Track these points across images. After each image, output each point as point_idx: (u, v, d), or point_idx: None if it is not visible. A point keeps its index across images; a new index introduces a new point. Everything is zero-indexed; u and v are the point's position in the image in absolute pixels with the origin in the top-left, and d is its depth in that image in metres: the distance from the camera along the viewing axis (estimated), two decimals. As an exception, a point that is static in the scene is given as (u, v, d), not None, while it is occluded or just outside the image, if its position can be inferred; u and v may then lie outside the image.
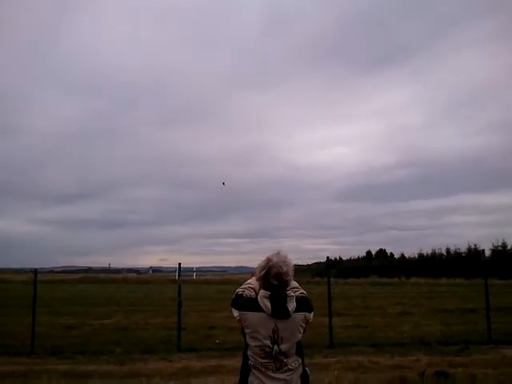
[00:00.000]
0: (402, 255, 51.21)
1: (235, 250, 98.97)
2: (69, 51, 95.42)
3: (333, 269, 49.39)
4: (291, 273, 2.55)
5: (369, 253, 60.61)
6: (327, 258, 11.75)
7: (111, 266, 68.26)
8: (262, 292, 2.51)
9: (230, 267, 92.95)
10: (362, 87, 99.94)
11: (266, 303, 2.48)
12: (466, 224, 71.50)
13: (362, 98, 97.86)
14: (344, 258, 63.42)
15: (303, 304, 2.55)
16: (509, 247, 40.04)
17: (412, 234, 78.50)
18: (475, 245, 41.82)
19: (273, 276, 2.45)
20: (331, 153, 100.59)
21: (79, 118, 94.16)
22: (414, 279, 34.44)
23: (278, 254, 2.60)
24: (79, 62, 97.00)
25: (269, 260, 2.54)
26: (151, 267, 69.17)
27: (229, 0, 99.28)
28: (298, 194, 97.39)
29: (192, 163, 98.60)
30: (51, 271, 59.42)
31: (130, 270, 68.60)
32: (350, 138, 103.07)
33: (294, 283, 2.78)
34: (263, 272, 2.51)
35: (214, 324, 11.44)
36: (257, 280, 2.64)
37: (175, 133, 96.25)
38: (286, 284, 2.50)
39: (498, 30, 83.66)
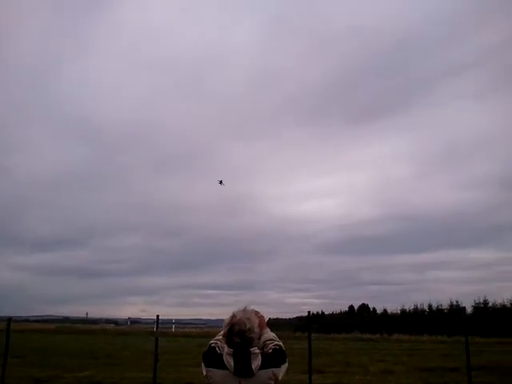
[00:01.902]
0: (385, 311, 50.83)
1: (216, 301, 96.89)
2: (58, 96, 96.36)
3: (314, 324, 48.73)
4: (256, 329, 2.52)
5: (351, 307, 60.03)
6: (308, 313, 11.65)
7: (89, 316, 66.46)
8: (226, 349, 2.48)
9: (209, 320, 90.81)
10: (348, 140, 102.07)
11: (229, 361, 2.43)
12: (449, 280, 71.45)
13: (347, 150, 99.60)
14: (326, 313, 62.58)
15: (272, 359, 2.50)
16: (490, 305, 40.07)
17: (395, 289, 78.04)
18: (457, 301, 41.83)
19: (236, 333, 2.42)
20: (316, 205, 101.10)
21: (64, 163, 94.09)
22: (396, 336, 34.09)
23: (243, 310, 2.58)
24: (68, 107, 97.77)
25: (233, 317, 2.52)
26: (130, 318, 67.28)
27: (218, 54, 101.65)
28: (282, 245, 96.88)
29: (176, 212, 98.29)
30: (26, 320, 57.52)
31: (108, 321, 66.70)
32: (335, 190, 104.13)
33: (270, 335, 2.74)
34: (226, 329, 2.48)
35: (191, 379, 11.09)
36: (223, 336, 2.62)
37: (160, 181, 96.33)
38: (249, 341, 2.44)
39: (481, 86, 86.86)
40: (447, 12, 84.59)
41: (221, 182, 47.65)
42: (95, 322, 65.58)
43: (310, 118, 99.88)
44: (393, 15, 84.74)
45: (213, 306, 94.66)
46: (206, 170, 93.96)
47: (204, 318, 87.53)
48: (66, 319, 68.94)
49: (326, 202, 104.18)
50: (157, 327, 10.70)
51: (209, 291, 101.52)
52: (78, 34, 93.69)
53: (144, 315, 71.85)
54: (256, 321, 2.60)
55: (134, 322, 68.73)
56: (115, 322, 68.36)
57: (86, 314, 66.63)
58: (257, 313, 2.76)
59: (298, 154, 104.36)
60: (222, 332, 2.74)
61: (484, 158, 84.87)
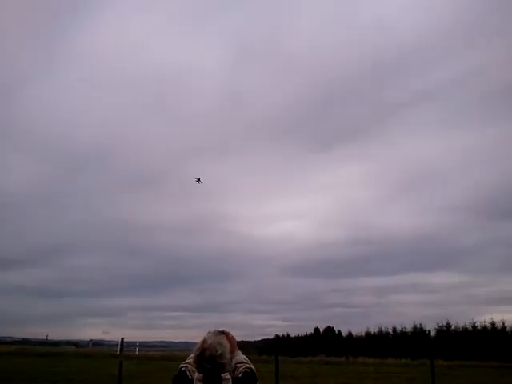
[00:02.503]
0: (350, 333, 51.10)
1: (180, 323, 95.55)
2: (19, 114, 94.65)
3: (281, 346, 48.57)
4: (228, 355, 2.47)
5: (317, 330, 60.03)
6: (277, 336, 11.60)
7: (49, 337, 64.44)
8: (197, 375, 2.42)
9: (173, 342, 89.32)
10: (315, 164, 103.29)
11: None
12: (412, 303, 72.40)
13: (314, 174, 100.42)
14: (292, 335, 62.53)
15: (243, 383, 2.48)
16: (453, 328, 40.78)
17: (359, 312, 78.55)
18: (420, 324, 42.44)
19: (206, 359, 2.37)
20: (283, 227, 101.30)
21: (24, 182, 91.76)
22: (361, 359, 34.22)
23: (214, 334, 2.52)
24: (30, 125, 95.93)
25: (204, 341, 2.45)
26: (91, 340, 65.73)
27: (186, 74, 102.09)
28: (248, 266, 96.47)
29: (141, 231, 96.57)
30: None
31: (69, 343, 64.94)
32: (301, 213, 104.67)
33: (240, 358, 2.70)
34: (197, 353, 2.43)
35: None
36: (193, 362, 2.54)
37: (125, 200, 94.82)
38: (221, 367, 2.40)
39: (446, 116, 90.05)
40: (414, 42, 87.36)
41: (198, 180, 47.32)
42: (55, 344, 63.71)
43: (278, 141, 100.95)
44: (359, 43, 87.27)
45: (177, 328, 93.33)
46: (172, 189, 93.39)
47: (168, 340, 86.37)
48: (26, 341, 66.75)
49: (293, 224, 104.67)
50: (121, 350, 10.45)
51: (173, 313, 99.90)
52: (42, 53, 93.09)
53: (106, 337, 70.06)
54: (228, 345, 2.57)
55: (96, 344, 67.13)
56: (76, 344, 66.62)
57: (46, 335, 64.61)
58: (227, 334, 2.71)
59: (265, 176, 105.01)
60: (192, 355, 2.68)
61: (447, 184, 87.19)
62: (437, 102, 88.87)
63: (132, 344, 45.67)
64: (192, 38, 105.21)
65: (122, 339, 44.61)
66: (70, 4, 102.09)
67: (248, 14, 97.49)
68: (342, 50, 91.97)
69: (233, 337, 2.70)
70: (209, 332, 2.56)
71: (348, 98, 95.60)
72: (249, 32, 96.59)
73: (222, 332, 2.61)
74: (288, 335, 61.98)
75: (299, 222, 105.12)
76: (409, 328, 43.85)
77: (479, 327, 39.52)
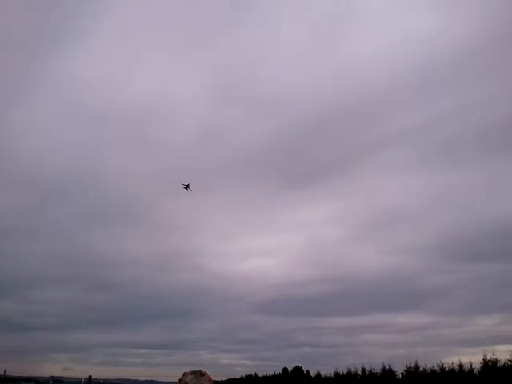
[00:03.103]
0: (318, 373, 50.62)
1: (146, 361, 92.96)
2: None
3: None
4: None
5: (285, 369, 59.32)
6: (242, 376, 11.54)
7: (7, 373, 61.68)
8: None
9: (138, 380, 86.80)
10: (286, 202, 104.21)
11: None
12: (381, 343, 72.71)
13: (286, 212, 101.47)
14: (260, 375, 61.64)
15: None
16: (421, 369, 40.83)
17: (329, 352, 78.21)
18: (389, 365, 42.37)
19: None
20: (252, 264, 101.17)
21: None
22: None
23: (195, 377, 2.54)
24: (2, 154, 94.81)
25: (180, 381, 2.42)
26: (52, 377, 63.22)
27: (163, 107, 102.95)
28: (216, 304, 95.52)
29: (108, 265, 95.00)
30: None
31: (28, 379, 62.40)
32: (272, 250, 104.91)
33: None
34: None
35: None
36: None
37: (93, 232, 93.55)
38: None
39: (413, 158, 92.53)
40: (383, 86, 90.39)
41: (187, 187, 46.58)
42: (14, 380, 61.16)
43: (251, 179, 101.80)
44: (333, 85, 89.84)
45: (143, 365, 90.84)
46: (143, 222, 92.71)
47: (133, 378, 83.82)
48: (-18, 376, 63.66)
49: (263, 262, 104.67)
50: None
51: (139, 350, 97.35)
52: (22, 80, 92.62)
53: (68, 374, 67.58)
54: None
55: (57, 381, 64.71)
56: (36, 380, 64.15)
57: (4, 371, 61.87)
58: (206, 374, 2.79)
59: (237, 213, 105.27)
60: None
61: (414, 225, 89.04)
62: (404, 145, 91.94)
63: (96, 381, 44.20)
64: (169, 72, 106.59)
65: (90, 377, 43.28)
66: (51, 33, 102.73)
67: (225, 51, 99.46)
68: (315, 92, 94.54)
69: (210, 377, 2.75)
70: (185, 373, 2.59)
71: (320, 139, 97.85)
72: (225, 70, 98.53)
73: (202, 373, 2.63)
74: (256, 375, 61.09)
75: (269, 259, 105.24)
76: (378, 369, 43.75)
77: (447, 369, 39.67)
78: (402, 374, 40.10)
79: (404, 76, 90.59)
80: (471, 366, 38.84)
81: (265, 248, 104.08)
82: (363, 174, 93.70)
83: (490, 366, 33.03)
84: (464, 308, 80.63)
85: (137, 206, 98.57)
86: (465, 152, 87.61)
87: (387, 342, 73.07)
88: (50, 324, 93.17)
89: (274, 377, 59.50)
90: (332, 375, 48.20)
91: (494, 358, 32.68)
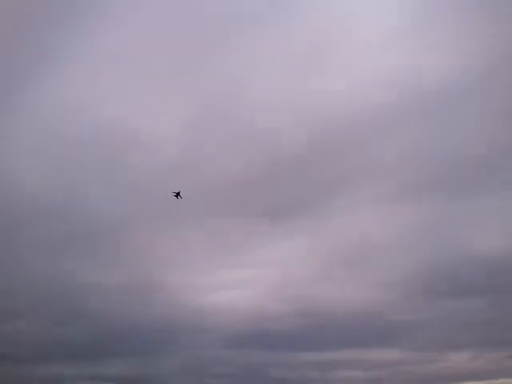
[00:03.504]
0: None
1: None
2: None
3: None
4: None
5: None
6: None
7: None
8: None
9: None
10: (259, 235, 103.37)
11: None
12: (353, 379, 71.95)
13: (260, 245, 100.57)
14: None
15: None
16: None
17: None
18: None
19: None
20: (225, 296, 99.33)
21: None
22: None
23: None
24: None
25: None
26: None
27: (140, 137, 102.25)
28: (187, 337, 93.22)
29: (74, 296, 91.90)
30: None
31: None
32: (244, 283, 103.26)
33: None
34: None
35: None
36: None
37: (62, 263, 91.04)
38: None
39: (385, 194, 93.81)
40: (355, 124, 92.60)
41: (177, 195, 44.88)
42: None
43: (225, 211, 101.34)
44: (305, 121, 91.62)
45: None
46: (113, 253, 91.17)
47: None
48: None
49: (234, 295, 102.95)
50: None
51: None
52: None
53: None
54: None
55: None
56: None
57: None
58: None
59: (211, 246, 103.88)
60: None
61: (385, 262, 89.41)
62: (377, 181, 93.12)
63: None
64: (146, 106, 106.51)
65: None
66: (29, 61, 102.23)
67: (201, 87, 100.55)
68: (288, 129, 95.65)
69: None
70: None
71: (293, 174, 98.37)
72: (201, 105, 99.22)
73: None
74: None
75: (241, 292, 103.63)
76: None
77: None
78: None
79: (376, 113, 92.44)
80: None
81: (237, 281, 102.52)
82: (336, 210, 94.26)
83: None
84: (436, 344, 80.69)
85: (108, 237, 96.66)
86: (435, 188, 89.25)
87: (359, 378, 72.30)
88: (13, 356, 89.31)
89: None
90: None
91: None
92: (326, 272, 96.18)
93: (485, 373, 77.51)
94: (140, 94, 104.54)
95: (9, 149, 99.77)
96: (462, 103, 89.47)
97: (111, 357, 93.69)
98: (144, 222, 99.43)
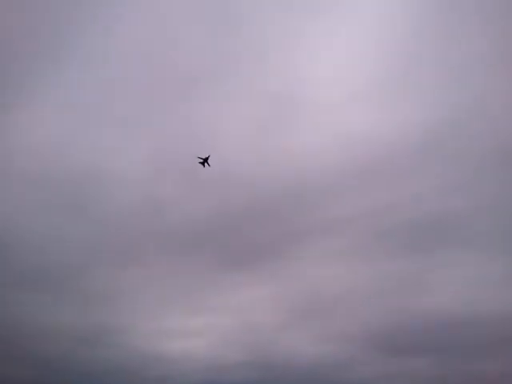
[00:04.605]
0: None
1: None
2: None
3: None
4: None
5: None
6: None
7: None
8: None
9: None
10: (221, 281, 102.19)
11: None
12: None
13: (219, 292, 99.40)
14: None
15: None
16: None
17: None
18: None
19: None
20: (181, 344, 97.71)
21: None
22: None
23: None
24: None
25: None
26: None
27: (101, 176, 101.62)
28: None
29: (28, 338, 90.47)
30: None
31: None
32: (201, 331, 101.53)
33: None
34: None
35: None
36: None
37: (13, 302, 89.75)
38: None
39: (349, 247, 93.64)
40: (322, 179, 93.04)
41: (204, 162, 42.57)
42: None
43: (185, 256, 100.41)
44: (274, 168, 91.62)
45: None
46: (67, 294, 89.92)
47: None
48: None
49: (190, 343, 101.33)
50: None
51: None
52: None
53: None
54: None
55: None
56: None
57: None
58: None
59: (169, 290, 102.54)
60: None
61: (347, 315, 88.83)
62: (341, 234, 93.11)
63: None
64: (109, 145, 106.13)
65: None
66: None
67: (168, 129, 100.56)
68: (256, 174, 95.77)
69: None
70: None
71: (258, 221, 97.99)
72: (166, 147, 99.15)
73: None
74: None
75: (198, 341, 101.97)
76: None
77: None
78: None
79: (342, 167, 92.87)
80: None
81: (194, 328, 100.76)
82: (299, 260, 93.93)
83: None
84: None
85: (65, 277, 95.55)
86: (397, 244, 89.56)
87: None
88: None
89: None
90: None
91: None
92: (286, 323, 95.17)
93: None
94: (104, 135, 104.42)
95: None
96: (421, 162, 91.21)
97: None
98: (103, 263, 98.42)
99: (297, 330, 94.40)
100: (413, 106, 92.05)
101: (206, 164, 38.19)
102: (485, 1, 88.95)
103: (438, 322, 78.85)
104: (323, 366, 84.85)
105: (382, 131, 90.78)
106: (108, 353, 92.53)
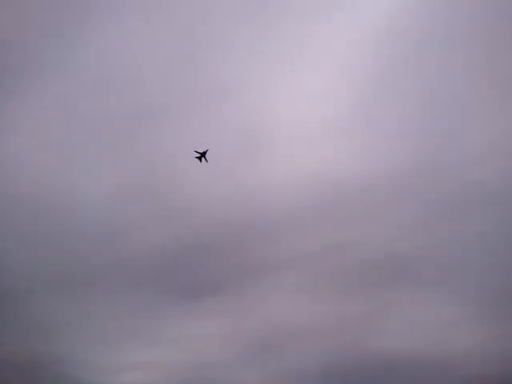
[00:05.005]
0: None
1: None
2: None
3: None
4: None
5: None
6: None
7: None
8: None
9: None
10: (171, 316, 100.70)
11: None
12: None
13: (168, 326, 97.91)
14: None
15: None
16: None
17: None
18: None
19: None
20: (125, 378, 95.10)
21: None
22: None
23: None
24: None
25: None
26: None
27: (60, 202, 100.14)
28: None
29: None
30: None
31: None
32: (147, 365, 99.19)
33: None
34: None
35: None
36: None
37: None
38: None
39: (304, 284, 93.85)
40: (283, 214, 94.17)
41: (202, 156, 40.24)
42: None
43: (135, 286, 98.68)
44: (232, 204, 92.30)
45: None
46: (10, 323, 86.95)
47: None
48: None
49: (135, 377, 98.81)
50: None
51: None
52: None
53: None
54: None
55: None
56: None
57: None
58: None
59: (117, 322, 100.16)
60: None
61: (299, 351, 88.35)
62: (297, 270, 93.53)
63: None
64: (71, 170, 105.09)
65: None
66: None
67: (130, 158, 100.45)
68: (215, 207, 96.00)
69: None
70: None
71: (212, 254, 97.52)
72: (128, 172, 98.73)
73: None
74: None
75: (143, 375, 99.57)
76: None
77: None
78: None
79: (293, 205, 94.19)
80: None
81: (140, 362, 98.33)
82: (252, 295, 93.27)
83: None
84: None
85: (6, 304, 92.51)
86: (348, 283, 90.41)
87: None
88: None
89: None
90: None
91: None
92: (237, 359, 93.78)
93: None
94: (63, 165, 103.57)
95: None
96: (373, 203, 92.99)
97: None
98: (47, 290, 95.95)
99: (248, 366, 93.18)
100: (366, 149, 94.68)
101: (203, 159, 37.74)
102: (461, 37, 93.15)
103: (387, 361, 79.37)
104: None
105: (334, 170, 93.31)
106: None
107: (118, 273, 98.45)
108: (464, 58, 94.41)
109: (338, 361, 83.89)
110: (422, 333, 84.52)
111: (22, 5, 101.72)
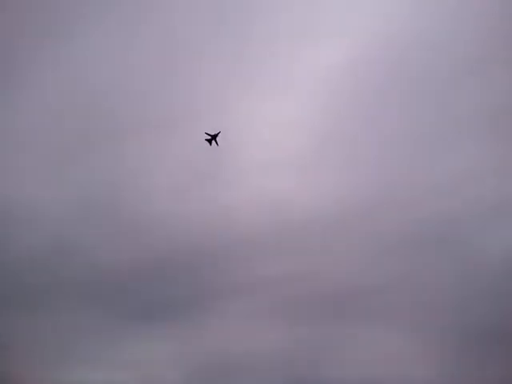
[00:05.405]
0: None
1: None
2: None
3: None
4: None
5: None
6: None
7: None
8: None
9: None
10: (119, 338, 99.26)
11: None
12: None
13: (124, 346, 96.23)
14: None
15: None
16: None
17: None
18: None
19: None
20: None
21: None
22: None
23: None
24: None
25: None
26: None
27: (20, 214, 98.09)
28: None
29: None
30: None
31: None
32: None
33: None
34: None
35: None
36: None
37: None
38: None
39: (262, 310, 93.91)
40: (243, 239, 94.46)
41: (212, 139, 38.17)
42: None
43: (86, 305, 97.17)
44: (183, 225, 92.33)
45: None
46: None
47: None
48: None
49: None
50: None
51: None
52: None
53: None
54: None
55: None
56: None
57: None
58: None
59: (67, 341, 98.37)
60: None
61: (250, 379, 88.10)
62: (255, 296, 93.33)
63: None
64: (32, 180, 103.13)
65: None
66: None
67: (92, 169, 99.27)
68: (180, 225, 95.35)
69: None
70: None
71: (166, 277, 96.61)
72: (88, 186, 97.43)
73: None
74: None
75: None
76: None
77: None
78: None
79: (258, 230, 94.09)
80: None
81: (94, 382, 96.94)
82: (209, 318, 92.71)
83: None
84: None
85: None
86: (306, 312, 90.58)
87: None
88: None
89: None
90: None
91: None
92: (189, 381, 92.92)
93: None
94: (25, 173, 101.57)
95: None
96: (343, 235, 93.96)
97: None
98: (11, 307, 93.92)
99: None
100: (334, 180, 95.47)
101: (214, 142, 35.91)
102: (435, 74, 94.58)
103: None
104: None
105: (295, 201, 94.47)
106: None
107: (66, 292, 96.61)
108: (434, 93, 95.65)
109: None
110: (374, 365, 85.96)
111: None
